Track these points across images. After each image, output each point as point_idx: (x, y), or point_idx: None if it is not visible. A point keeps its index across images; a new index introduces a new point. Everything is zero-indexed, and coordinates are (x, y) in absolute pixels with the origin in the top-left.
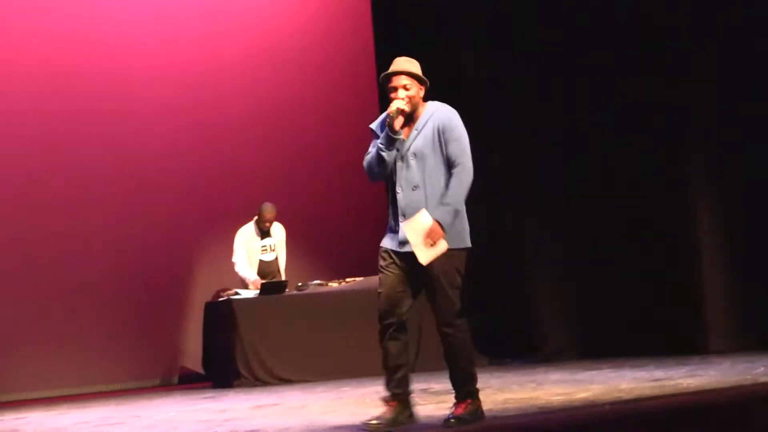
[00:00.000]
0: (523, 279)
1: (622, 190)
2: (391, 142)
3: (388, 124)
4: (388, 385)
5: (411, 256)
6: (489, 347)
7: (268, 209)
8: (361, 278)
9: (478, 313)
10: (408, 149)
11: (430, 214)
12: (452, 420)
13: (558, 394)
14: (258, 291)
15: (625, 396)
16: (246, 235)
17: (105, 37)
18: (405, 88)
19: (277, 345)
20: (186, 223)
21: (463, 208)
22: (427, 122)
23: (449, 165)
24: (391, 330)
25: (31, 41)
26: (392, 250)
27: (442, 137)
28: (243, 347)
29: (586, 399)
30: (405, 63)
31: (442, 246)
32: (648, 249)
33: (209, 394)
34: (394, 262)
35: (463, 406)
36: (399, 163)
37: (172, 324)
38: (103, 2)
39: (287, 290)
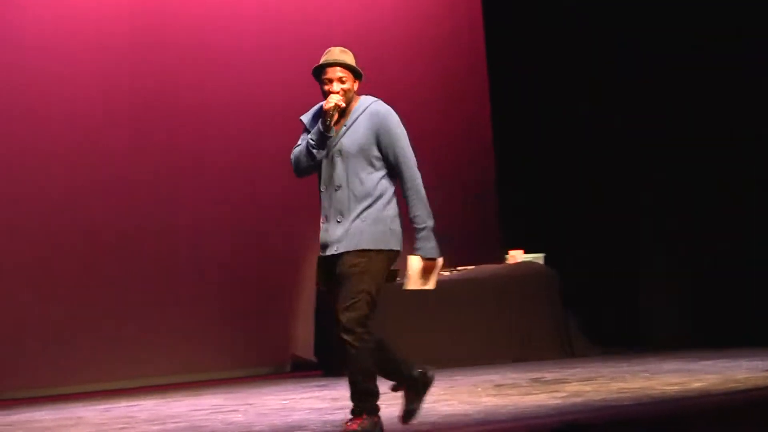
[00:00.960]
0: (637, 268)
1: (735, 179)
2: (323, 140)
3: (326, 123)
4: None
5: (331, 259)
6: (601, 336)
7: None
8: (472, 266)
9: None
10: (335, 146)
11: (417, 248)
12: None
13: (672, 384)
14: None
15: (740, 386)
16: None
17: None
18: (341, 81)
19: (388, 333)
20: (297, 207)
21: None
22: (358, 119)
23: (389, 168)
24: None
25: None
26: (320, 257)
27: (379, 138)
28: None
29: (702, 389)
30: (340, 54)
31: (439, 264)
32: (763, 237)
33: (321, 382)
34: (327, 271)
35: (358, 421)
36: (324, 161)
37: (284, 311)
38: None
39: (398, 279)
